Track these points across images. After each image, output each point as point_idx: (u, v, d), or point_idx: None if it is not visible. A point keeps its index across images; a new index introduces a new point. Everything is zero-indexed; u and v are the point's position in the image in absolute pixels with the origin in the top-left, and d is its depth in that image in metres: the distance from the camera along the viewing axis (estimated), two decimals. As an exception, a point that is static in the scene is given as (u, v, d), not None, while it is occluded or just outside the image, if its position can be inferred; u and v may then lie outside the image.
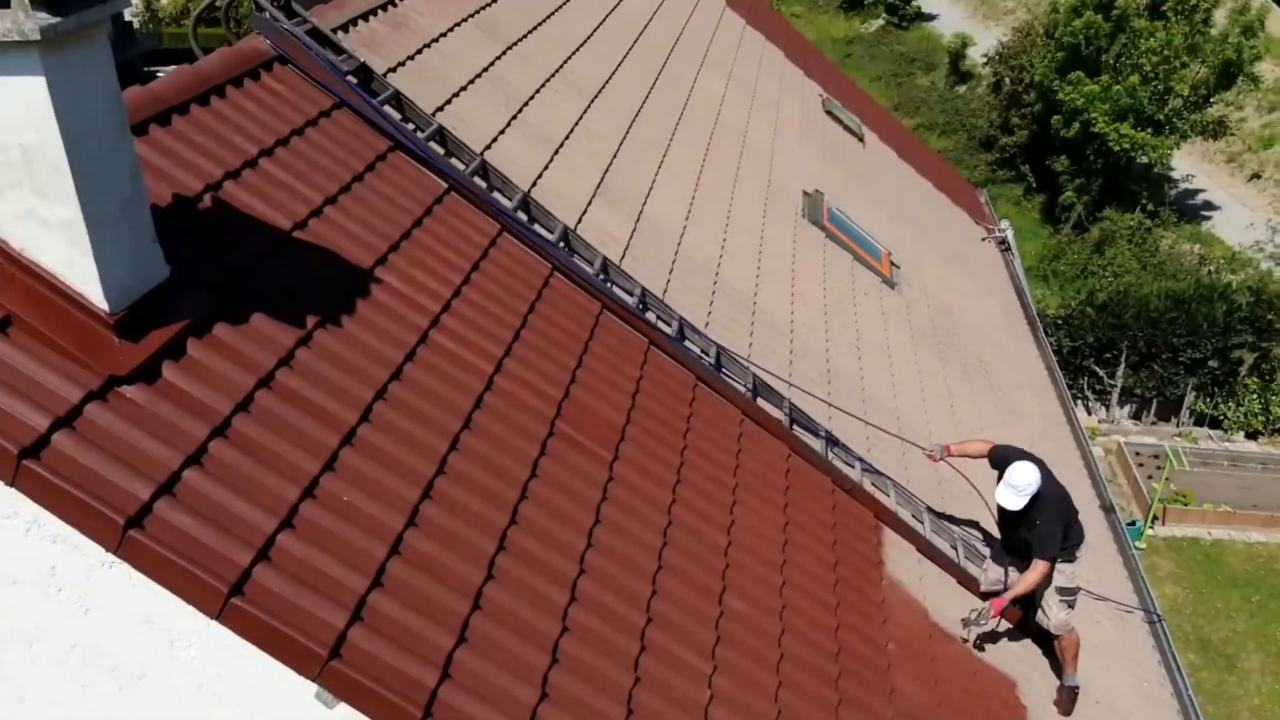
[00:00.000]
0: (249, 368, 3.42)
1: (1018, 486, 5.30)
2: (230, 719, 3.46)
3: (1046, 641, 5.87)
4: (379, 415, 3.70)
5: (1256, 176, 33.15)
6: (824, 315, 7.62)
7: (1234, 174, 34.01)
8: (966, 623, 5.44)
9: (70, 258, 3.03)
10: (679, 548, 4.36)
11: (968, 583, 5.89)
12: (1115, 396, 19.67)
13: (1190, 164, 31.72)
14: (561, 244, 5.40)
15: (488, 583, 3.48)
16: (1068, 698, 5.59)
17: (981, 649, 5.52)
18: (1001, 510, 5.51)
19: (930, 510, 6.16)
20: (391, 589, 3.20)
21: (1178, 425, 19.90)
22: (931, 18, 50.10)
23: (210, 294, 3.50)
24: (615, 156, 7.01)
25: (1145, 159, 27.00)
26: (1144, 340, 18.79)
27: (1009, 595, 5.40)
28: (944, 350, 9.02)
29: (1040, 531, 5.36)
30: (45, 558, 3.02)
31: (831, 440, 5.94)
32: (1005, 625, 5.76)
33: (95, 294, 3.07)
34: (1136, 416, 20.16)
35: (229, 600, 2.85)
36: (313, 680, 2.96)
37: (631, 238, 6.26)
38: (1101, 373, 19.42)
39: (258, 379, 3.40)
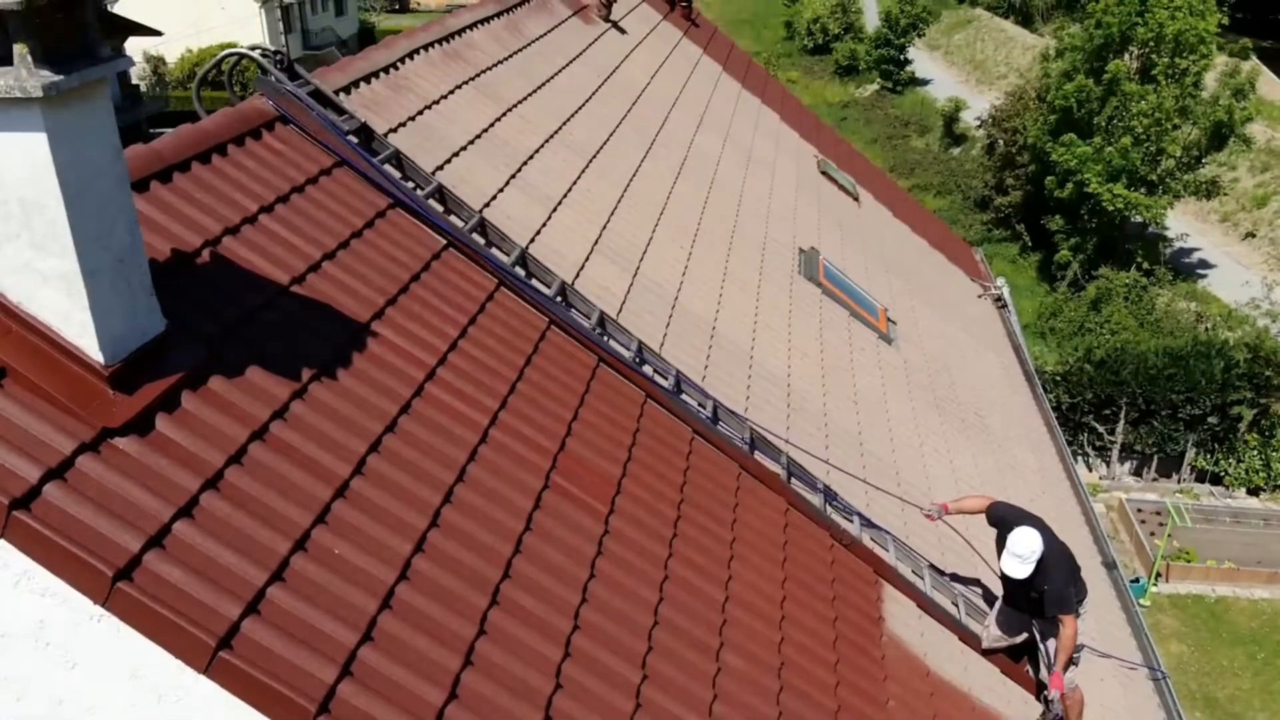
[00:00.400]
0: (242, 420, 3.42)
1: (1022, 555, 5.29)
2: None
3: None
4: (372, 468, 3.69)
5: (1251, 235, 33.44)
6: (821, 371, 7.63)
7: (1228, 233, 34.32)
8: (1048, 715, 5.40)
9: (67, 310, 3.05)
10: (675, 603, 4.32)
11: (969, 640, 5.82)
12: (1115, 453, 19.62)
13: (1184, 223, 32.03)
14: (559, 298, 5.44)
15: (479, 638, 3.45)
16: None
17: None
18: (1007, 578, 5.48)
19: (931, 566, 6.11)
20: (382, 643, 3.17)
21: (1179, 481, 19.81)
22: (925, 83, 51.02)
23: (205, 346, 3.52)
24: (613, 214, 7.09)
25: (1139, 218, 27.28)
26: (1143, 397, 18.81)
27: (1059, 665, 5.38)
28: (942, 406, 9.02)
29: (1051, 594, 5.35)
30: (34, 611, 3.00)
31: (829, 495, 5.91)
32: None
33: (91, 346, 3.08)
34: (1137, 473, 20.08)
35: (217, 653, 2.82)
36: (301, 736, 2.92)
37: (628, 293, 6.30)
38: (1101, 429, 19.39)
39: (251, 431, 3.40)
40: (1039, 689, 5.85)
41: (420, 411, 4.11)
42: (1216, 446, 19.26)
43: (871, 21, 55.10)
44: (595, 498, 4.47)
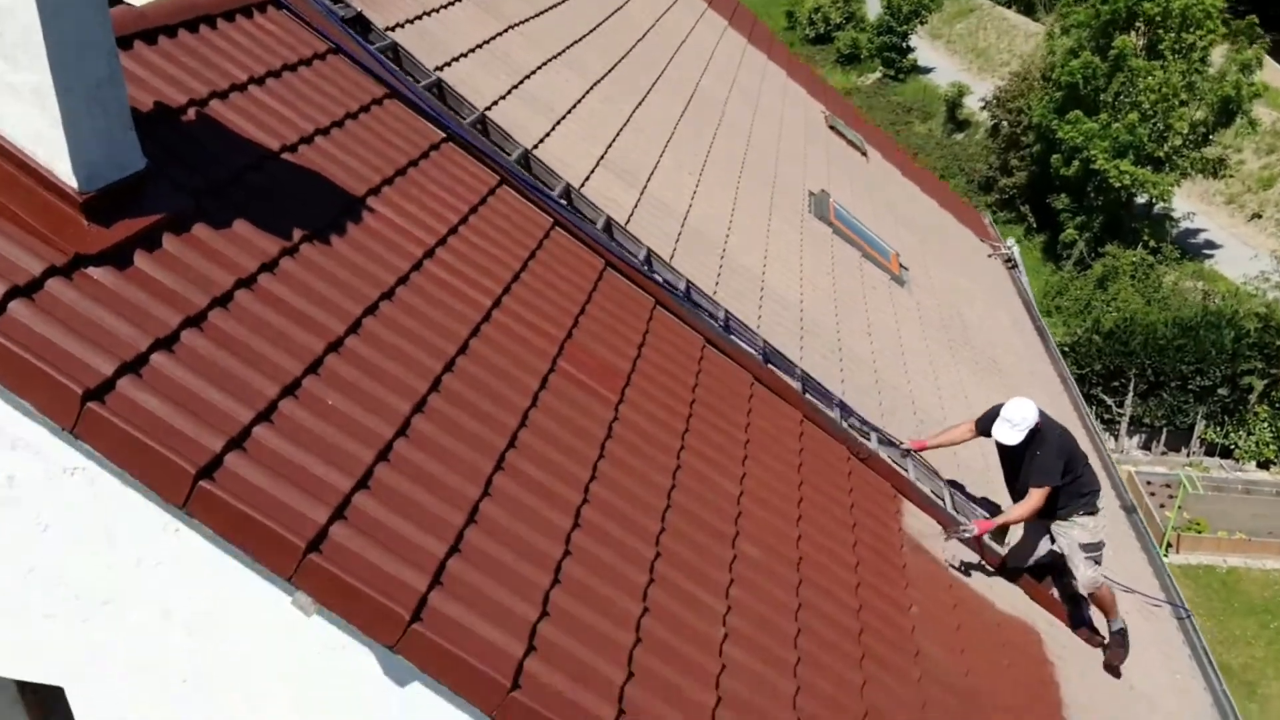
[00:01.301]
0: (228, 268, 3.20)
1: (1013, 420, 5.16)
2: (204, 649, 3.21)
3: (1072, 600, 5.65)
4: (369, 330, 3.47)
5: (1257, 216, 33.19)
6: (834, 304, 7.41)
7: (1234, 214, 34.07)
8: (948, 533, 5.32)
9: (39, 130, 2.82)
10: (688, 491, 4.10)
11: (990, 558, 5.59)
12: (1124, 426, 19.38)
13: (1190, 205, 31.76)
14: (564, 199, 5.21)
15: (484, 499, 3.23)
16: (1118, 641, 5.46)
17: (963, 572, 5.31)
18: (1003, 454, 5.36)
19: (951, 484, 5.88)
20: (380, 493, 2.95)
21: (1188, 455, 19.58)
22: (927, 71, 50.72)
23: (190, 195, 3.30)
24: (618, 136, 6.86)
25: (1146, 196, 27.02)
26: (1152, 368, 18.58)
27: (1000, 520, 5.33)
28: (956, 348, 8.79)
29: (1039, 462, 5.20)
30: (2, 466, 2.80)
31: (846, 410, 5.69)
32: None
33: (64, 170, 2.86)
34: (1146, 447, 19.85)
35: (196, 484, 2.59)
36: (288, 580, 2.70)
37: (635, 208, 6.08)
38: (1110, 401, 19.16)
39: (238, 279, 3.18)
40: (1068, 597, 5.65)
41: (419, 285, 3.89)
42: (1226, 419, 19.03)
43: (873, 10, 54.78)
44: (604, 386, 4.25)
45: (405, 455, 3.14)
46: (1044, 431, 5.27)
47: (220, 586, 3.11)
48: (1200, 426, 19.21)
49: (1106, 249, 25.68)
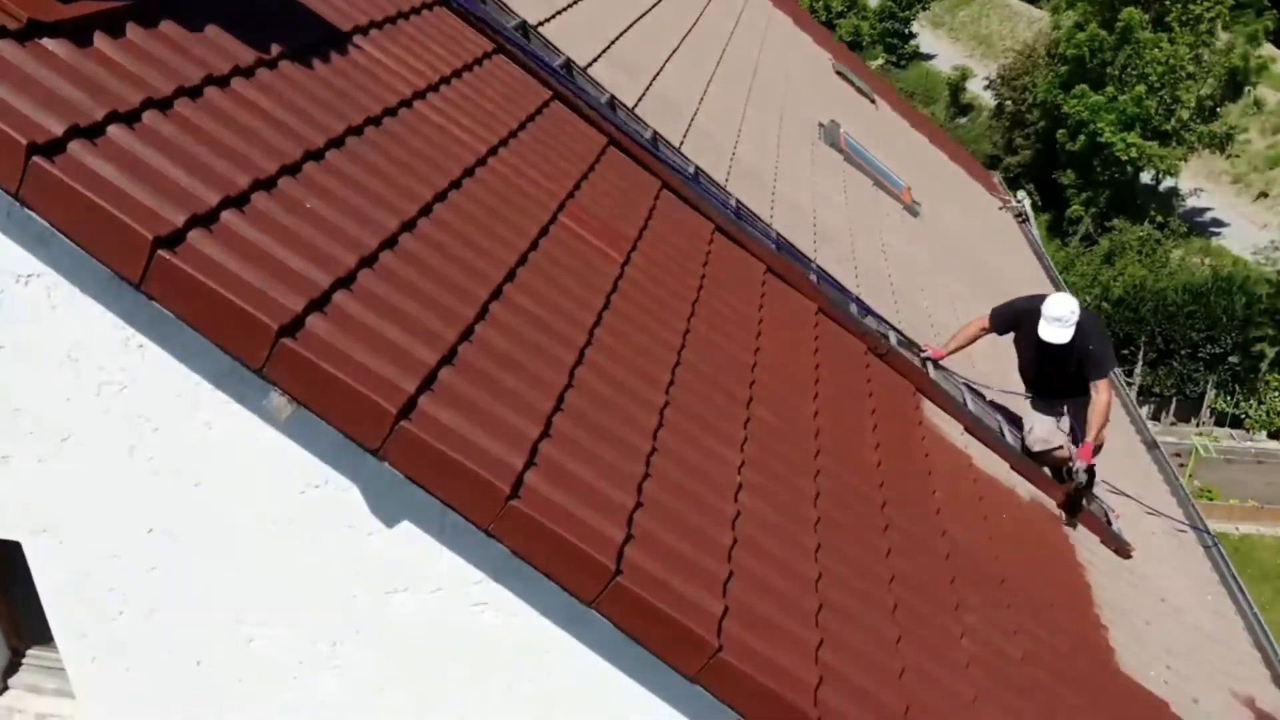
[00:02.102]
0: (199, 64, 2.91)
1: (1062, 318, 4.94)
2: (174, 492, 2.93)
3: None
4: (351, 147, 3.19)
5: (1263, 195, 32.96)
6: (847, 220, 7.12)
7: (1240, 193, 33.83)
8: (1068, 492, 5.13)
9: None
10: (699, 351, 3.81)
11: (1011, 456, 5.30)
12: (1133, 395, 19.08)
13: (1197, 184, 31.51)
14: (564, 70, 4.92)
15: (479, 321, 2.95)
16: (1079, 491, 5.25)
17: (1071, 516, 5.16)
18: (1043, 355, 5.16)
19: (969, 387, 5.60)
20: (361, 296, 2.67)
21: (1198, 425, 19.30)
22: (929, 57, 50.40)
23: (157, -7, 3.01)
24: (622, 35, 6.57)
25: (1153, 171, 26.76)
26: (1162, 335, 18.30)
27: (1093, 436, 5.11)
28: (973, 281, 8.50)
29: (1096, 353, 5.08)
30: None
31: (864, 307, 5.40)
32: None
33: (17, -67, 2.58)
34: (1155, 417, 19.57)
35: (155, 253, 2.30)
36: (258, 373, 2.41)
37: (640, 100, 5.79)
38: (1119, 370, 18.87)
39: (208, 76, 2.90)
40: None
41: (407, 120, 3.60)
42: (1237, 388, 18.76)
43: (874, -2, 54.45)
44: (610, 246, 3.96)
45: (392, 268, 2.86)
46: (1087, 323, 5.12)
47: (190, 413, 2.85)
48: (1210, 396, 18.93)
49: (1114, 222, 25.43)
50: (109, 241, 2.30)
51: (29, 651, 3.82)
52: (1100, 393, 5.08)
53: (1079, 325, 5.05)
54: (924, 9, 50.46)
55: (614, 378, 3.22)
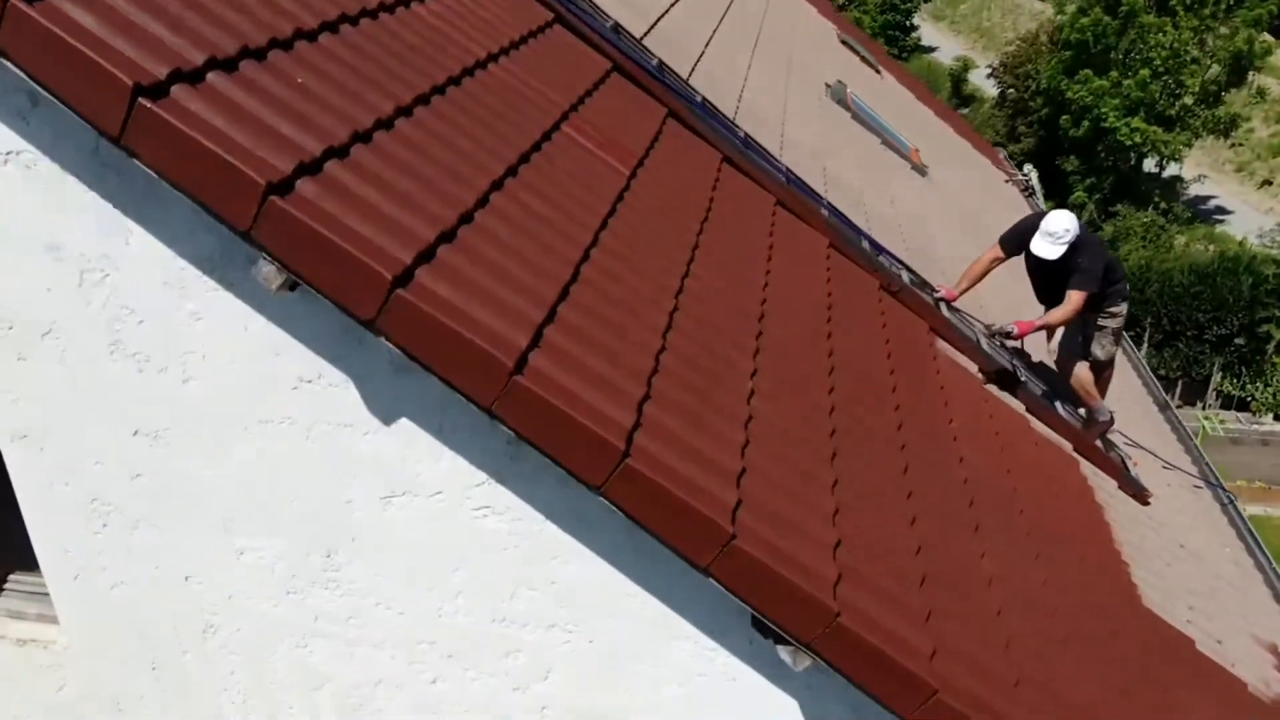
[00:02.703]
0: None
1: (1055, 233, 4.90)
2: (161, 391, 2.79)
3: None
4: (346, 34, 3.03)
5: (1267, 183, 32.79)
6: (856, 171, 6.97)
7: (1244, 181, 33.67)
8: (990, 334, 5.18)
9: None
10: (709, 266, 3.66)
11: (1028, 401, 5.16)
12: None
13: (1200, 172, 31.36)
14: (567, -3, 4.77)
15: (480, 208, 2.80)
16: (1101, 430, 5.37)
17: (990, 381, 5.04)
18: (1036, 268, 5.20)
19: (986, 330, 5.45)
20: (354, 168, 2.52)
21: (1204, 408, 19.15)
22: (931, 50, 50.22)
23: None
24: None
25: (1157, 156, 26.59)
26: (1167, 317, 18.15)
27: (1040, 321, 5.19)
28: (982, 243, 8.32)
29: (1083, 270, 5.04)
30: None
31: (876, 245, 5.25)
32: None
33: None
34: (1162, 400, 19.40)
35: (136, 102, 2.16)
36: (246, 233, 2.27)
37: (645, 36, 5.63)
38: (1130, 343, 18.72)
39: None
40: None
41: (406, 19, 3.45)
42: (1243, 370, 18.60)
43: (876, -11, 54.26)
44: (615, 160, 3.81)
45: (386, 147, 2.71)
46: (1082, 241, 5.07)
47: (178, 303, 2.71)
48: (1216, 378, 18.78)
49: (1118, 208, 25.26)
50: (91, 95, 2.15)
51: (10, 577, 3.68)
52: (1069, 301, 5.10)
53: (1076, 244, 5.03)
54: (925, 1, 50.28)
55: (620, 278, 3.07)
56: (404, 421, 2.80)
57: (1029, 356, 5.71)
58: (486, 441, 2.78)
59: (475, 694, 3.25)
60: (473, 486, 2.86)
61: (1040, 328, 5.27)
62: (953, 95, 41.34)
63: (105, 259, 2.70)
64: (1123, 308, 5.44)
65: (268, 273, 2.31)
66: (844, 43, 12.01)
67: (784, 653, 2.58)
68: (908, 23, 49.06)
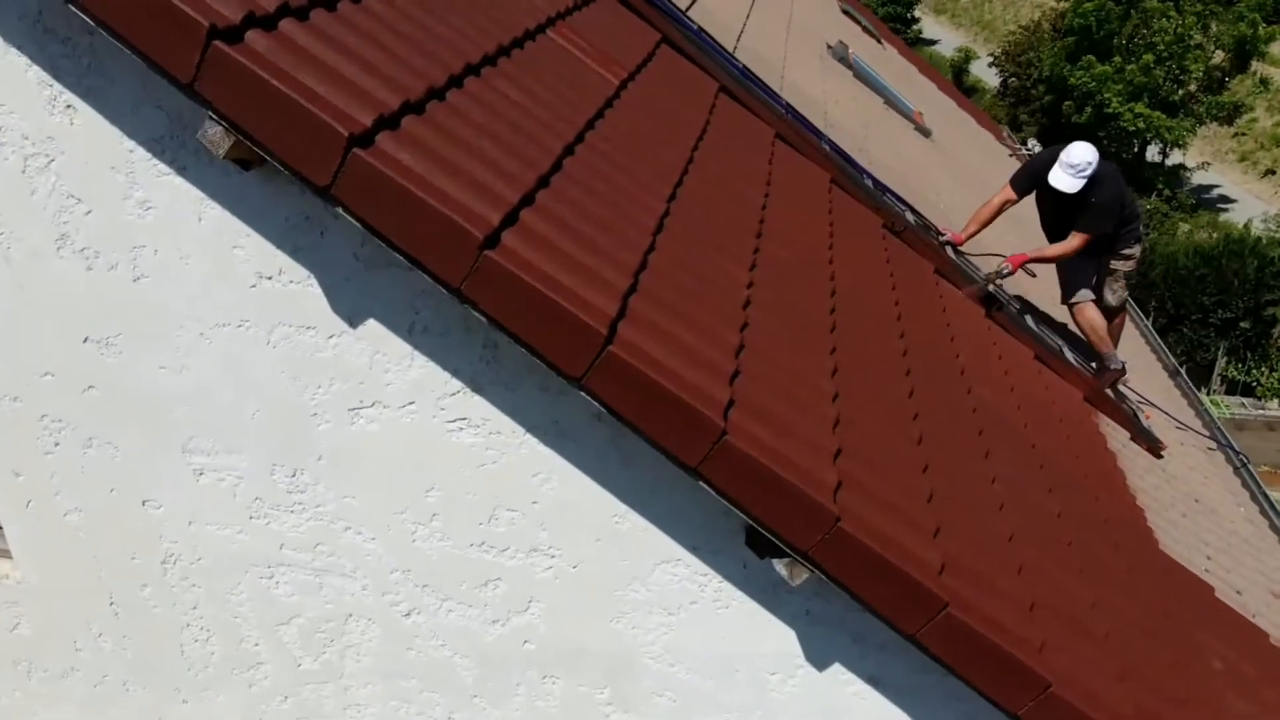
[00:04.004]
0: None
1: (1076, 165, 4.69)
2: (109, 288, 2.59)
3: None
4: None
5: (1270, 173, 32.58)
6: (859, 121, 6.75)
7: (1247, 171, 33.44)
8: (987, 279, 4.93)
9: None
10: (703, 179, 3.45)
11: (1036, 347, 4.95)
12: (1144, 362, 18.71)
13: (1203, 160, 31.14)
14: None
15: (450, 89, 2.58)
16: (1115, 377, 5.17)
17: (988, 310, 4.88)
18: (1049, 199, 5.02)
19: (997, 279, 5.24)
20: (314, 29, 2.30)
21: (1209, 393, 18.91)
22: (932, 42, 49.98)
23: None
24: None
25: (1160, 143, 26.37)
26: (1172, 300, 17.92)
27: (1035, 254, 5.06)
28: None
29: (1095, 209, 4.87)
30: None
31: (880, 185, 5.03)
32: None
33: None
34: (1166, 385, 19.18)
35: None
36: (190, 86, 2.05)
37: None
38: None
39: None
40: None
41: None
42: (1249, 354, 18.37)
43: (877, -19, 54.00)
44: (604, 69, 3.59)
45: (349, 15, 2.50)
46: (1101, 178, 4.87)
47: (126, 190, 2.50)
48: (1221, 363, 18.56)
49: (1121, 196, 25.04)
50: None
51: (-38, 510, 3.46)
52: (1070, 240, 4.99)
53: (1095, 178, 4.84)
54: (928, -9, 50.03)
55: (607, 176, 2.86)
56: (371, 323, 2.60)
57: (1035, 308, 5.51)
58: (461, 345, 2.57)
59: (452, 627, 3.04)
60: (447, 396, 2.66)
61: (1034, 260, 5.11)
62: (954, 86, 41.14)
63: (50, 140, 2.49)
64: (1136, 250, 5.29)
65: (214, 135, 2.09)
66: (846, 13, 11.78)
67: (780, 565, 2.37)
68: (909, 15, 48.83)
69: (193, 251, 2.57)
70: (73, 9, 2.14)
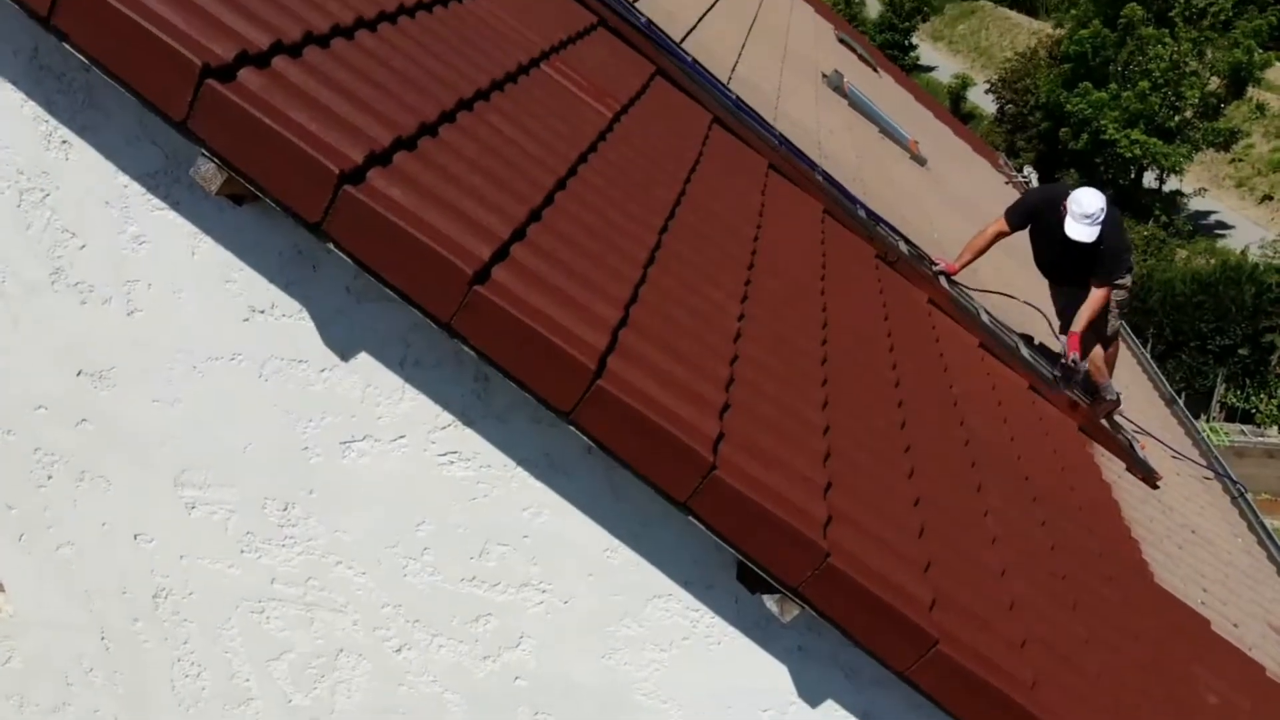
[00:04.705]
0: None
1: (1091, 214, 4.68)
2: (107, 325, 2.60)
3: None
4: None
5: (1268, 199, 32.71)
6: (853, 152, 6.79)
7: (1244, 197, 33.60)
8: (1061, 378, 4.94)
9: None
10: (696, 212, 3.46)
11: (1030, 376, 4.95)
12: (1143, 389, 18.71)
13: (1200, 186, 31.28)
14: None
15: (443, 123, 2.60)
16: (1111, 408, 5.22)
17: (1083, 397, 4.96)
18: (1059, 243, 4.96)
19: (988, 311, 5.26)
20: (308, 66, 2.33)
21: (1208, 420, 18.91)
22: (930, 69, 50.37)
23: None
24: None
25: (1157, 169, 26.50)
26: (1170, 327, 17.94)
27: (1082, 322, 4.97)
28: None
29: (1108, 253, 4.93)
30: None
31: (874, 216, 5.05)
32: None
33: None
34: (1165, 412, 19.17)
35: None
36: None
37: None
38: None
39: None
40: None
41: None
42: (1247, 381, 18.38)
43: (874, 10, 54.50)
44: (598, 101, 3.62)
45: (342, 52, 2.52)
46: (1106, 222, 4.87)
47: (121, 225, 2.52)
48: (1220, 390, 18.56)
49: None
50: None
51: (-47, 542, 3.45)
52: (1094, 298, 5.01)
53: (1103, 221, 4.80)
54: (924, 20, 50.45)
55: (599, 209, 2.88)
56: (363, 356, 2.60)
57: (1033, 339, 5.52)
58: (453, 378, 2.58)
59: (443, 663, 3.03)
60: (438, 429, 2.66)
61: (1085, 331, 5.07)
62: (951, 113, 41.38)
63: (44, 175, 2.51)
64: (1128, 279, 5.31)
65: (207, 172, 2.11)
66: (841, 41, 11.88)
67: (770, 602, 2.36)
68: (906, 42, 49.26)
69: (186, 285, 2.58)
70: (67, 47, 2.16)
